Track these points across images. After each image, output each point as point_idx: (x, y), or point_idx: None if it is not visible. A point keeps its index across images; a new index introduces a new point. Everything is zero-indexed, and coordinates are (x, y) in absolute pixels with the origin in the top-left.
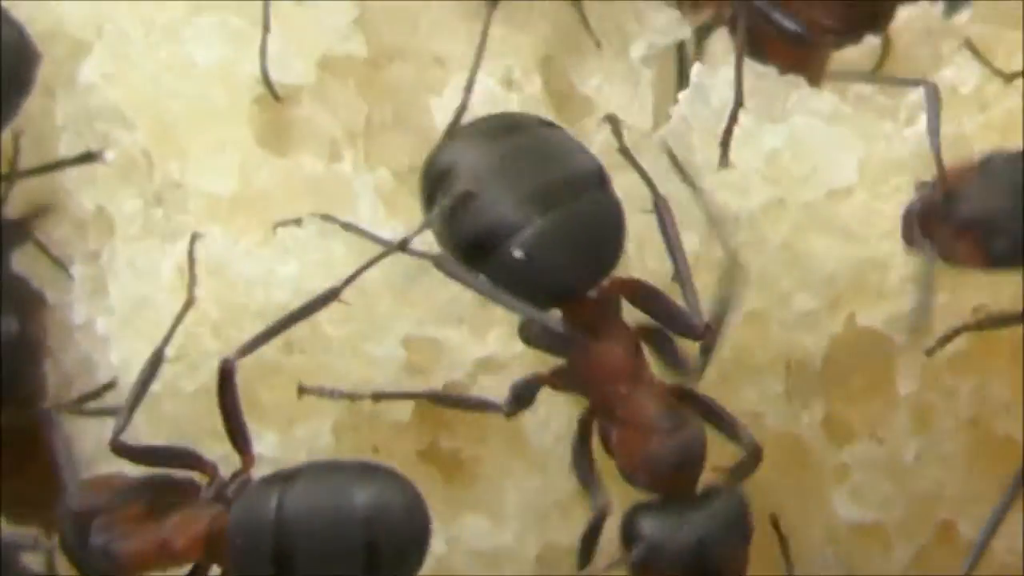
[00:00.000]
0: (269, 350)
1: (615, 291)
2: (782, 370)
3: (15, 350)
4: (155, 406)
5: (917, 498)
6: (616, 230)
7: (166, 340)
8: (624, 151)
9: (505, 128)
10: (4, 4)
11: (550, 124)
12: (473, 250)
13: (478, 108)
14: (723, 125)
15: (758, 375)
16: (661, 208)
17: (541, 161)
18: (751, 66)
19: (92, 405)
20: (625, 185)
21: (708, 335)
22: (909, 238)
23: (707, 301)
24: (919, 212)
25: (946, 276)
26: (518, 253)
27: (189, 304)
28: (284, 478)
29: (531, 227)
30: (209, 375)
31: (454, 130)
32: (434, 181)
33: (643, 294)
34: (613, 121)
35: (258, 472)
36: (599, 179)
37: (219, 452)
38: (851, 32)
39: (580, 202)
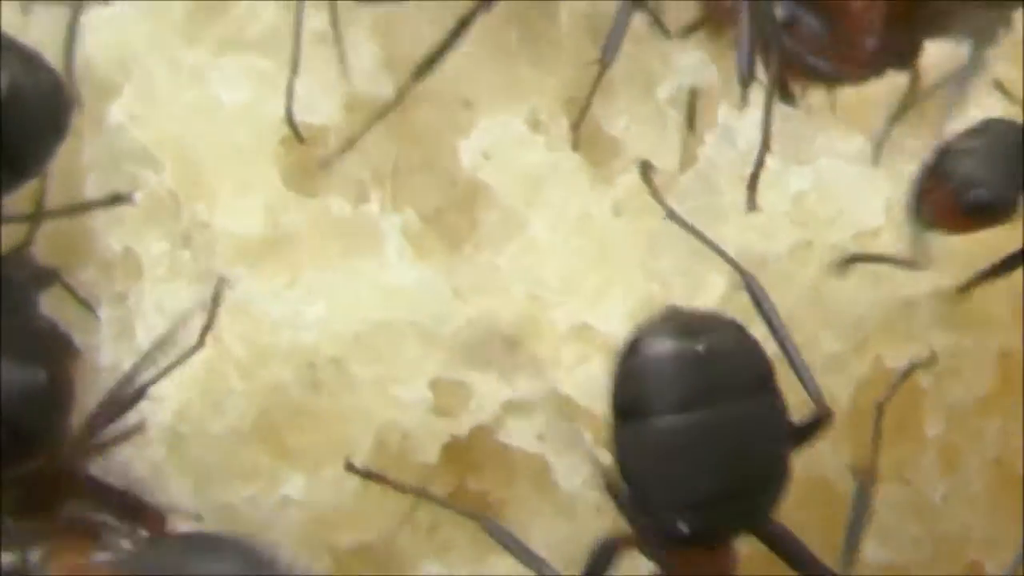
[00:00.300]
0: (295, 390)
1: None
2: (809, 412)
3: (43, 401)
4: (182, 448)
5: (945, 539)
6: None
7: (153, 381)
8: (657, 197)
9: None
10: (36, 48)
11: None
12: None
13: (505, 149)
14: (750, 167)
15: None
16: (751, 286)
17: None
18: (777, 107)
19: None
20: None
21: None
22: (910, 210)
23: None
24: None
25: (974, 315)
26: (682, 527)
27: (197, 347)
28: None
29: (698, 507)
30: (236, 416)
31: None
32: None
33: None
34: (645, 167)
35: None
36: (780, 438)
37: (246, 494)
38: (879, 69)
39: (752, 477)
